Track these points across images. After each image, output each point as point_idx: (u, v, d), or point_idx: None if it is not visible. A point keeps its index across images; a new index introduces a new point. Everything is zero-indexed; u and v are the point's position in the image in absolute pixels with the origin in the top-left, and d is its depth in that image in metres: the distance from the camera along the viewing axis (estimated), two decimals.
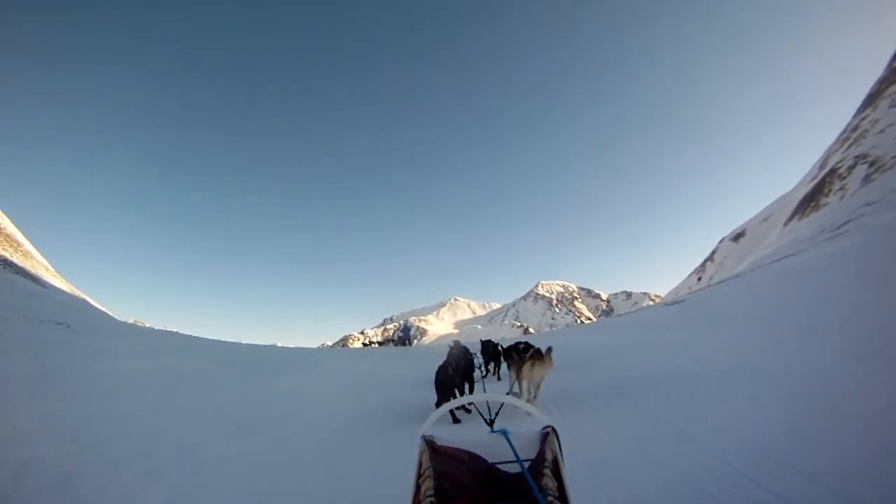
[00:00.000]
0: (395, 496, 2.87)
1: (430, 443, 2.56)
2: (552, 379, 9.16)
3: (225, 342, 25.68)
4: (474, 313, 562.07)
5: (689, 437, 5.29)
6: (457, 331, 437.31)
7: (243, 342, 27.55)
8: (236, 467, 5.66)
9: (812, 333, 9.76)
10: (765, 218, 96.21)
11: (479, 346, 13.93)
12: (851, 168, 54.84)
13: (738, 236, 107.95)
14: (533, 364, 8.04)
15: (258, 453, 6.24)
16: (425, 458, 2.38)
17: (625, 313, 51.39)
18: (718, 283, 40.86)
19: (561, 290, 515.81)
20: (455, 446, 2.57)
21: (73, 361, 11.79)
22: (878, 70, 68.46)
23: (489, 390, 10.61)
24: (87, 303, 46.87)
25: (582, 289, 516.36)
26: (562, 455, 2.44)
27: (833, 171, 59.83)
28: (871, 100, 64.68)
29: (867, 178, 48.35)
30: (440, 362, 8.64)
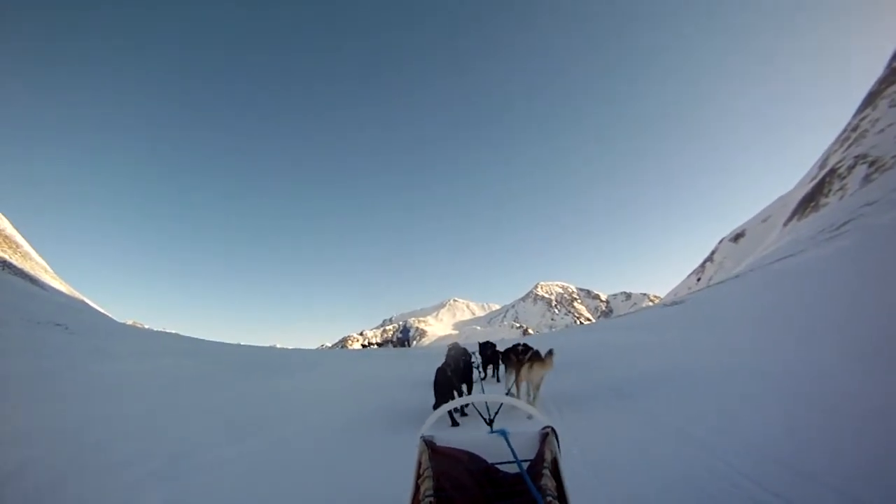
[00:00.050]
0: (395, 496, 2.86)
1: (429, 443, 2.56)
2: (552, 379, 9.16)
3: (224, 343, 25.68)
4: (473, 314, 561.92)
5: (688, 437, 5.29)
6: (456, 332, 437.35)
7: (243, 343, 27.56)
8: (236, 468, 5.65)
9: (811, 333, 9.76)
10: (764, 218, 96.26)
11: (478, 348, 13.92)
12: (851, 168, 54.87)
13: (737, 237, 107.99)
14: (531, 366, 8.02)
15: (258, 454, 6.23)
16: (424, 458, 2.38)
17: (624, 314, 51.42)
18: (718, 283, 40.86)
19: (560, 290, 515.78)
20: (454, 447, 2.56)
21: (72, 363, 11.78)
22: (877, 70, 68.54)
23: (488, 391, 10.60)
24: (86, 304, 46.87)
25: (581, 290, 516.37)
26: (561, 455, 2.44)
27: (833, 171, 59.86)
28: (870, 99, 64.72)
29: (867, 178, 48.38)
30: (439, 363, 8.63)
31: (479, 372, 12.18)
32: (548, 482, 2.04)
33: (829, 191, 57.29)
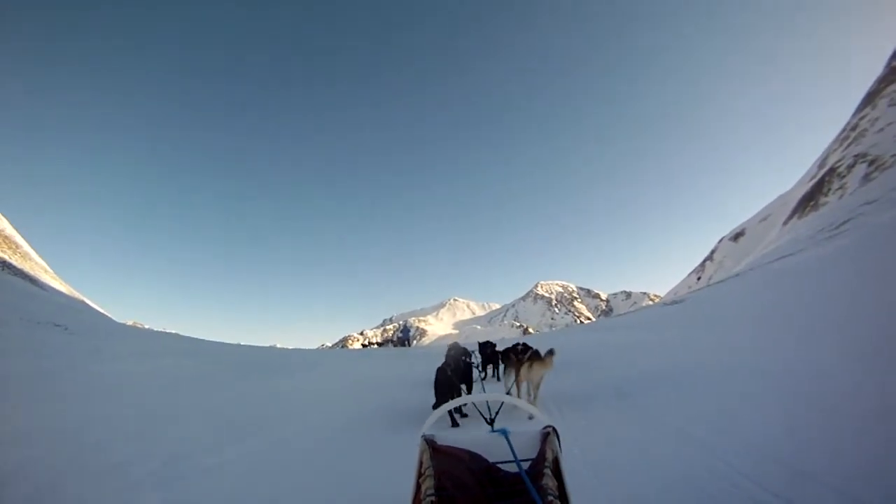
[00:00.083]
0: (396, 496, 2.87)
1: (430, 442, 2.56)
2: (552, 379, 9.16)
3: (224, 343, 25.66)
4: (474, 314, 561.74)
5: (688, 437, 5.29)
6: (456, 331, 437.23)
7: (243, 343, 27.54)
8: (237, 468, 5.65)
9: (811, 332, 9.76)
10: (764, 217, 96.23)
11: (478, 347, 13.94)
12: (851, 167, 54.85)
13: (737, 236, 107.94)
14: (531, 365, 8.02)
15: (259, 454, 6.23)
16: (426, 457, 2.38)
17: (624, 313, 51.41)
18: (718, 282, 40.87)
19: (560, 290, 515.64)
20: (456, 446, 2.57)
21: (72, 363, 11.78)
22: (877, 69, 68.52)
23: (489, 390, 10.61)
24: (86, 304, 46.86)
25: (581, 289, 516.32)
26: (562, 454, 2.44)
27: (832, 170, 59.85)
28: (870, 98, 64.70)
29: (867, 177, 48.37)
30: (439, 363, 8.63)
31: (479, 372, 12.20)
32: (549, 482, 2.04)
33: (829, 190, 57.29)
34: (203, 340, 25.82)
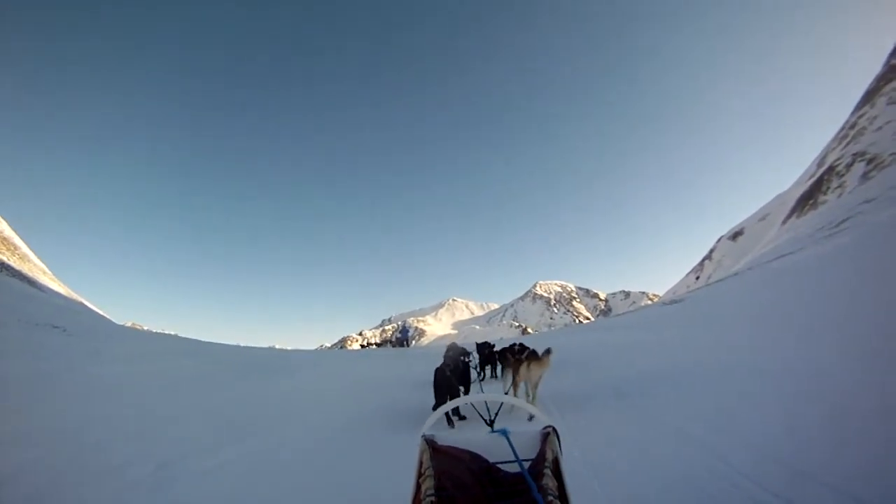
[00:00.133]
0: (396, 496, 2.86)
1: (430, 442, 2.56)
2: (551, 379, 9.15)
3: (223, 345, 25.61)
4: (472, 314, 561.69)
5: (688, 437, 5.29)
6: (455, 331, 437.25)
7: (242, 344, 27.51)
8: (237, 469, 5.64)
9: (811, 331, 9.77)
10: (763, 216, 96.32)
11: (475, 348, 13.93)
12: (849, 166, 54.91)
13: (736, 235, 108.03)
14: (529, 365, 8.01)
15: (258, 455, 6.22)
16: (426, 457, 2.38)
17: (623, 313, 51.42)
18: (716, 281, 40.91)
19: (559, 289, 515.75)
20: (456, 446, 2.56)
21: (70, 365, 11.76)
22: (875, 67, 68.62)
23: (487, 390, 10.60)
24: (85, 306, 46.77)
25: (580, 288, 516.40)
26: (562, 455, 2.44)
27: (831, 168, 59.90)
28: (868, 97, 64.79)
29: (865, 176, 48.41)
30: (438, 363, 8.61)
31: (478, 373, 12.20)
32: (549, 482, 2.03)
33: (828, 188, 57.33)
34: (202, 341, 25.78)
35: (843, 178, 54.42)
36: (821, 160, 71.53)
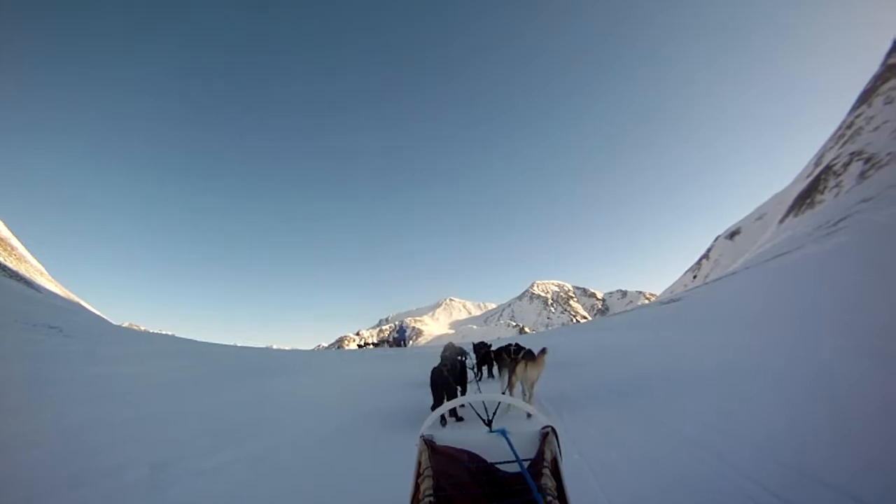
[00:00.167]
0: (395, 496, 2.84)
1: (429, 443, 2.53)
2: (549, 380, 9.14)
3: (220, 345, 25.62)
4: (470, 313, 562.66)
5: (687, 437, 5.28)
6: (452, 331, 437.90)
7: (239, 344, 27.50)
8: (235, 470, 5.61)
9: (810, 330, 9.78)
10: (760, 216, 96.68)
11: (472, 348, 13.95)
12: (847, 165, 55.10)
13: (733, 234, 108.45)
14: (525, 365, 8.00)
15: (256, 456, 6.18)
16: (424, 457, 2.35)
17: (620, 312, 51.52)
18: (714, 281, 41.00)
19: (556, 289, 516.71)
20: (454, 446, 2.54)
21: (67, 366, 11.71)
22: (873, 67, 68.84)
23: (485, 390, 10.59)
24: (82, 306, 46.68)
25: (577, 288, 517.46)
26: (561, 455, 2.42)
27: (828, 168, 60.10)
28: (866, 96, 65.00)
29: (862, 175, 48.57)
30: (436, 363, 8.60)
31: (475, 373, 12.19)
32: (548, 482, 2.01)
33: (825, 188, 57.53)
34: (199, 342, 25.77)
35: (841, 178, 54.60)
36: (818, 159, 71.76)
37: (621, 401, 7.72)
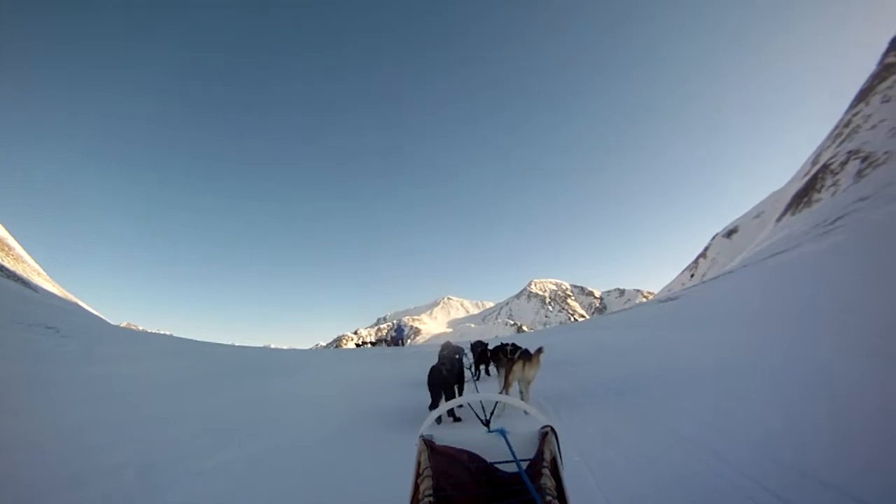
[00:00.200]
0: (394, 496, 2.85)
1: (428, 443, 2.54)
2: (546, 379, 9.15)
3: (218, 344, 25.54)
4: (468, 312, 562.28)
5: (685, 436, 5.29)
6: (450, 330, 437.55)
7: (237, 344, 27.44)
8: (234, 470, 5.60)
9: (808, 329, 9.80)
10: (757, 214, 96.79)
11: (469, 347, 13.95)
12: (844, 164, 55.13)
13: (730, 233, 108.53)
14: (522, 365, 8.01)
15: (255, 456, 6.18)
16: (424, 457, 2.36)
17: (618, 311, 51.52)
18: (711, 279, 41.04)
19: (554, 288, 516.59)
20: (454, 446, 2.55)
21: (64, 366, 11.67)
22: (870, 66, 68.90)
23: (482, 389, 10.60)
24: (79, 307, 46.53)
25: (575, 286, 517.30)
26: (560, 454, 2.43)
27: (825, 166, 60.14)
28: (863, 95, 65.04)
29: (859, 174, 48.62)
30: (434, 362, 8.60)
31: (472, 373, 12.20)
32: (547, 481, 2.02)
33: (822, 186, 57.56)
34: (197, 341, 25.69)
35: (838, 177, 54.65)
36: (815, 158, 71.79)
37: (619, 399, 7.73)
